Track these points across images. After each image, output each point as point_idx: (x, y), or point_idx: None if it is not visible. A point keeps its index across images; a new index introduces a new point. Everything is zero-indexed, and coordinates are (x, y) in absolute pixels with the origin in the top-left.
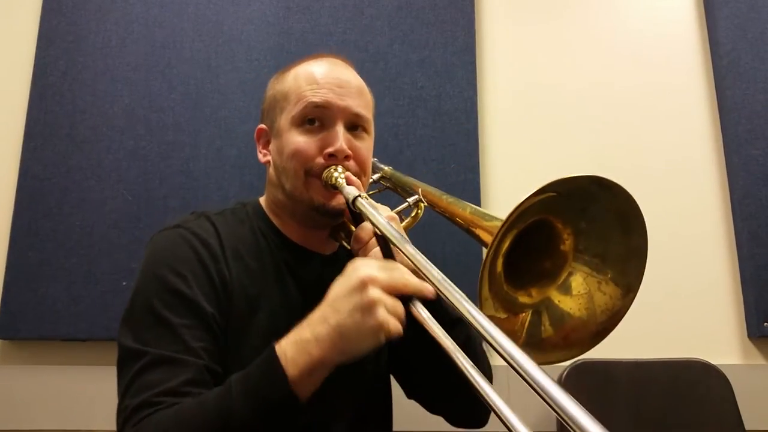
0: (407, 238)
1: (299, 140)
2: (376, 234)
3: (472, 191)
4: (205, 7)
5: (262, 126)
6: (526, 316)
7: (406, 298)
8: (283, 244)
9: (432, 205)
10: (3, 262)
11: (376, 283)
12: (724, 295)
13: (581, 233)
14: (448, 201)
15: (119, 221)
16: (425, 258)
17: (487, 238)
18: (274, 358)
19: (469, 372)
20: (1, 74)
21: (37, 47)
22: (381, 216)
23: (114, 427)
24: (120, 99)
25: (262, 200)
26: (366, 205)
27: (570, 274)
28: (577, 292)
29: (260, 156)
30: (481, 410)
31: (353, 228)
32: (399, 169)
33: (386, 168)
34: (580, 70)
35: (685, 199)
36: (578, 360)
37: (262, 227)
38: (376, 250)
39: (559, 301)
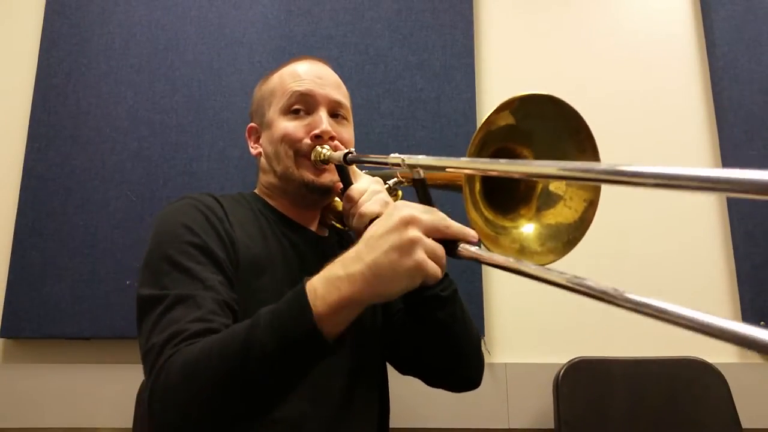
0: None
1: (288, 125)
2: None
3: None
4: (207, 10)
5: (252, 124)
6: (517, 233)
7: (448, 242)
8: (279, 220)
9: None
10: (7, 262)
11: (417, 224)
12: (721, 294)
13: (540, 152)
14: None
15: (123, 222)
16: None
17: (461, 177)
18: (303, 294)
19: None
20: (5, 76)
21: (41, 49)
22: (375, 156)
23: (117, 425)
24: (123, 100)
25: (255, 191)
26: (358, 155)
27: (542, 189)
28: (559, 198)
29: (252, 150)
30: (474, 369)
31: (341, 208)
32: None
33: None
34: (578, 72)
35: (682, 199)
36: (576, 358)
37: (260, 207)
38: (378, 196)
39: (544, 216)
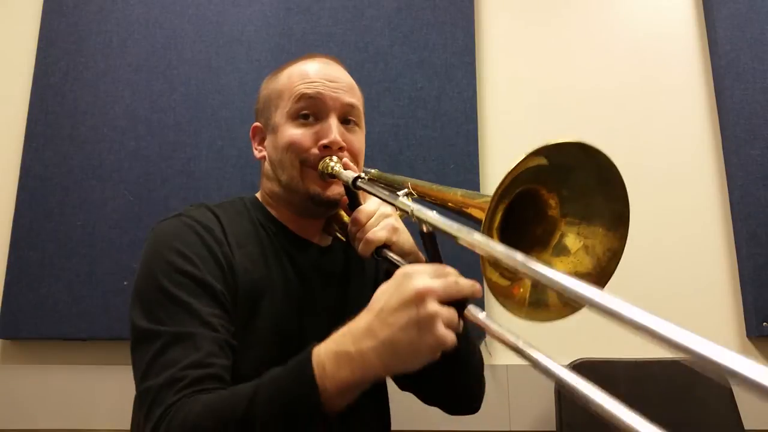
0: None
1: (294, 132)
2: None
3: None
4: (205, 8)
5: (257, 124)
6: (528, 282)
7: (457, 303)
8: (280, 233)
9: (423, 196)
10: (4, 262)
11: (433, 295)
12: (724, 295)
13: (566, 199)
14: (438, 189)
15: (120, 221)
16: (440, 216)
17: (479, 214)
18: (309, 368)
19: (539, 363)
20: (3, 75)
21: (38, 48)
22: (384, 190)
23: (115, 426)
24: (121, 99)
25: (257, 195)
26: (367, 183)
27: (562, 236)
28: (569, 253)
29: (255, 152)
30: (475, 396)
31: (346, 219)
32: (399, 170)
33: (372, 171)
34: (579, 71)
35: (685, 199)
36: (579, 359)
37: (260, 217)
38: (386, 221)
39: (554, 264)
